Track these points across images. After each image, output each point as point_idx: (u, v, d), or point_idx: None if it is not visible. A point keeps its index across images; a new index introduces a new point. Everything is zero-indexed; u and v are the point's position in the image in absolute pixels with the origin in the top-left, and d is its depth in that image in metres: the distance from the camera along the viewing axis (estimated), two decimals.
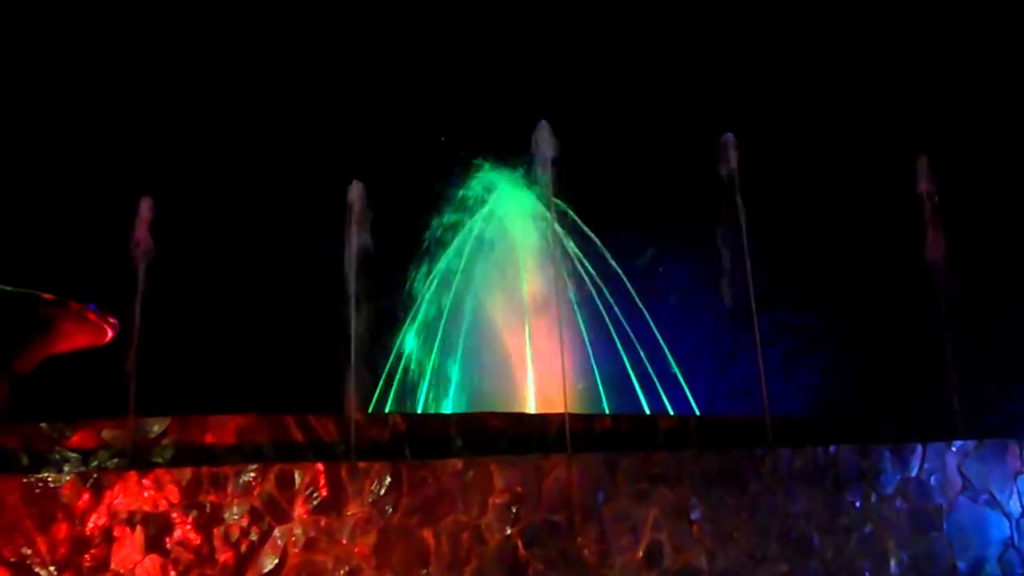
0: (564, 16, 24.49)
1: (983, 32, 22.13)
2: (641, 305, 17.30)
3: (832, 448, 9.85)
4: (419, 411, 17.13)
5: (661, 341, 17.12)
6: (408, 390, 17.85)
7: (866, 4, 23.59)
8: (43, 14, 22.47)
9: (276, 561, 8.25)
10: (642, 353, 17.10)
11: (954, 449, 10.31)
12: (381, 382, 17.41)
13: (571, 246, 17.60)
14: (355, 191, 10.95)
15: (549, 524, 8.83)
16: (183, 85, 23.00)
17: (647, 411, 16.22)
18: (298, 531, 8.34)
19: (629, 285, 17.53)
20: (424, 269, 18.85)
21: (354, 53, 24.27)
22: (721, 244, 11.02)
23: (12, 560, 7.95)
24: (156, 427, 9.30)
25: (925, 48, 22.33)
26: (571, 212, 17.12)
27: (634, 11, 24.76)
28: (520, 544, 8.70)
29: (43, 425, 9.23)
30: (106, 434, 9.21)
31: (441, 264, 18.65)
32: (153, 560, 8.10)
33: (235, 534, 8.25)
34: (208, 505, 8.29)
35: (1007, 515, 10.24)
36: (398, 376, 17.90)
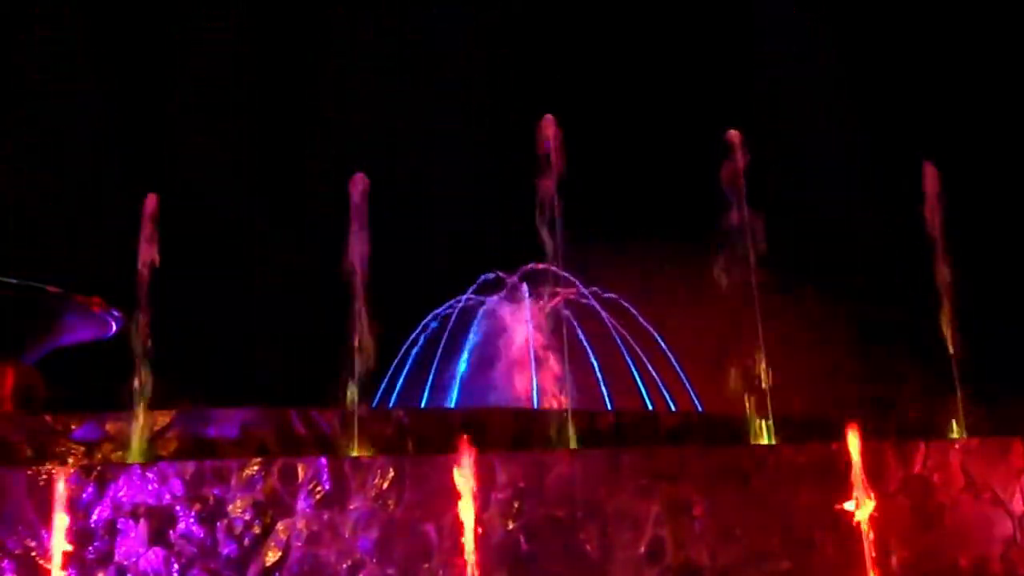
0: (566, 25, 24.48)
1: (985, 35, 22.07)
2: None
3: (835, 445, 9.83)
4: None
5: (660, 339, 17.08)
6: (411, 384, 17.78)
7: (870, 6, 23.56)
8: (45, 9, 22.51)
9: (279, 555, 8.27)
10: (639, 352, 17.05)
11: (957, 447, 10.29)
12: (387, 377, 17.38)
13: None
14: (357, 185, 10.88)
15: (551, 519, 8.84)
16: (183, 81, 23.03)
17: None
18: (301, 525, 8.37)
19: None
20: None
21: (357, 56, 24.27)
22: (725, 241, 11.04)
23: (16, 552, 7.98)
24: (160, 420, 9.33)
25: (929, 51, 22.28)
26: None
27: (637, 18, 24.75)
28: (522, 539, 8.71)
29: (47, 417, 9.26)
30: (110, 427, 9.24)
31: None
32: (156, 553, 8.13)
33: (238, 528, 8.28)
34: (211, 498, 8.32)
35: (1009, 513, 10.20)
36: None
